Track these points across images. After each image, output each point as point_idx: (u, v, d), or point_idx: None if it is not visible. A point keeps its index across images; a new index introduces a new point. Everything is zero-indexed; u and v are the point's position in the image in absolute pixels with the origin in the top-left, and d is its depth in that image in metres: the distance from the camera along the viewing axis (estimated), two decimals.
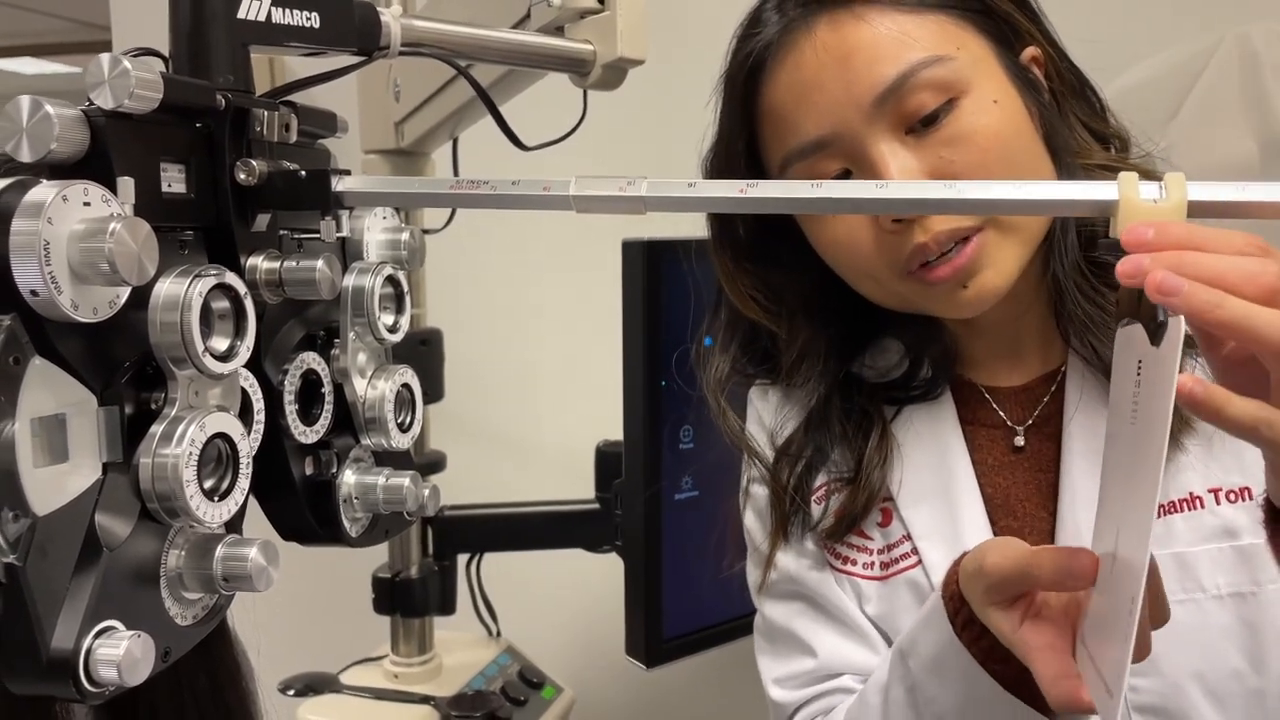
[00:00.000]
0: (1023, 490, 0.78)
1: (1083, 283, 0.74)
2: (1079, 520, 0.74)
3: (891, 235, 0.71)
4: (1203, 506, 0.72)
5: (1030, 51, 0.75)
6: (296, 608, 1.35)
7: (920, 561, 0.78)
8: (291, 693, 1.24)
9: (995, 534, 0.77)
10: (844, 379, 0.82)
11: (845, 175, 0.73)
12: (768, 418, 0.85)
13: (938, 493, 0.78)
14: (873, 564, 0.80)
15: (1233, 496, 0.72)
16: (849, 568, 0.81)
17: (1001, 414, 0.80)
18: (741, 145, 0.78)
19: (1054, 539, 0.75)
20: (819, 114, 0.71)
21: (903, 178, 0.69)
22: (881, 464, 0.79)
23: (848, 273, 0.76)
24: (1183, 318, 0.44)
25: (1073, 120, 0.77)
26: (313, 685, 1.26)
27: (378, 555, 1.30)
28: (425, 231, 1.14)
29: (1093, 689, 0.52)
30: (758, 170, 0.78)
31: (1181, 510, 0.72)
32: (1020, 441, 0.79)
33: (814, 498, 0.81)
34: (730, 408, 0.85)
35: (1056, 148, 0.75)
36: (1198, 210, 0.45)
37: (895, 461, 0.80)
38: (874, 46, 0.69)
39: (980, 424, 0.80)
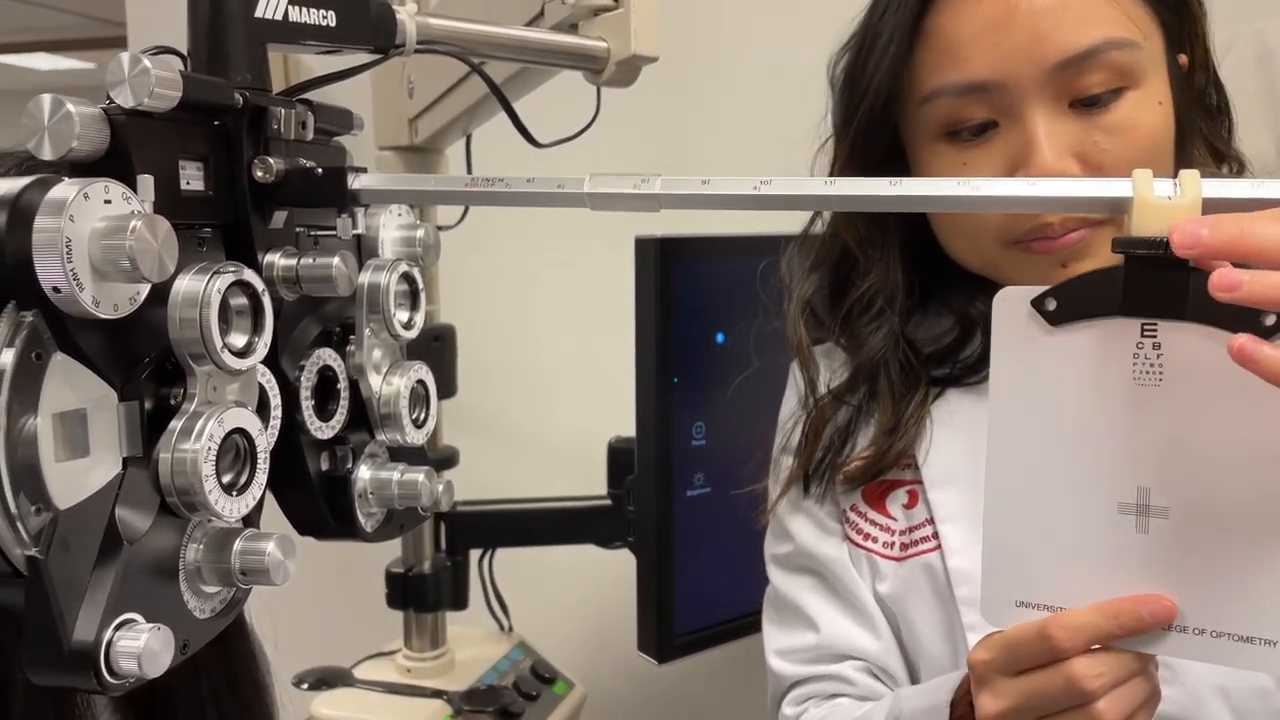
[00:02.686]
0: None
1: None
2: None
3: None
4: None
5: (1184, 57, 0.74)
6: (310, 602, 1.36)
7: (939, 546, 0.77)
8: (305, 686, 1.25)
9: None
10: (901, 337, 0.81)
11: (989, 125, 0.71)
12: (823, 372, 0.85)
13: (967, 477, 0.78)
14: (892, 544, 0.80)
15: None
16: (868, 544, 0.81)
17: None
18: (888, 59, 0.73)
19: None
20: (993, 58, 0.68)
21: (1052, 149, 0.68)
22: (917, 423, 0.79)
23: (949, 228, 0.75)
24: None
25: (1197, 135, 0.75)
26: (326, 679, 1.26)
27: (391, 550, 1.30)
28: (439, 228, 1.14)
29: (1251, 662, 0.52)
30: (891, 88, 0.74)
31: None
32: None
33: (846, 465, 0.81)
34: (806, 328, 0.83)
35: (1181, 158, 0.73)
36: (1212, 208, 0.45)
37: (925, 435, 0.79)
38: (1071, 9, 0.67)
39: None
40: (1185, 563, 0.52)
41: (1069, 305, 0.50)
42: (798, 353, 0.84)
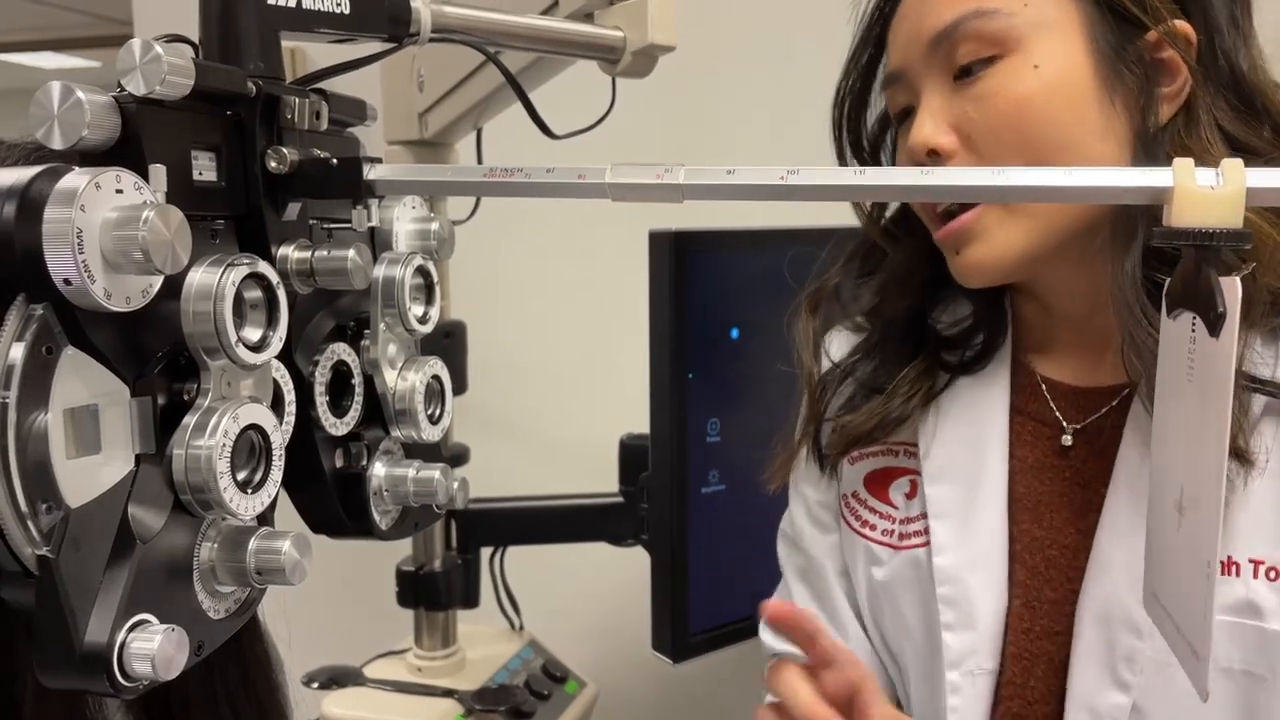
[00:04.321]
0: (1056, 500, 0.75)
1: (1134, 303, 0.67)
2: (1113, 554, 0.70)
3: None
4: (1238, 574, 0.67)
5: (1154, 34, 0.69)
6: (320, 601, 1.35)
7: (929, 542, 0.77)
8: (315, 685, 1.24)
9: (1012, 535, 0.75)
10: (918, 319, 0.83)
11: (910, 111, 0.75)
12: (835, 354, 0.86)
13: (965, 475, 0.77)
14: (891, 532, 0.80)
15: (1273, 574, 0.67)
16: (867, 531, 0.81)
17: (1055, 410, 0.77)
18: (848, 66, 0.81)
19: (1087, 558, 0.72)
20: (898, 47, 0.75)
21: (930, 121, 0.71)
22: (915, 396, 0.79)
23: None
24: (1238, 308, 0.42)
25: (1203, 118, 0.69)
26: (336, 678, 1.25)
27: (401, 548, 1.29)
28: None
29: (1177, 652, 0.52)
30: (850, 90, 0.82)
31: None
32: (1068, 441, 0.75)
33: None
34: (812, 319, 0.85)
35: (1153, 138, 0.68)
36: (1256, 198, 0.43)
37: (929, 425, 0.79)
38: None
39: (1030, 416, 0.78)
40: (1165, 554, 0.53)
41: (1175, 293, 0.49)
42: (802, 332, 0.85)
